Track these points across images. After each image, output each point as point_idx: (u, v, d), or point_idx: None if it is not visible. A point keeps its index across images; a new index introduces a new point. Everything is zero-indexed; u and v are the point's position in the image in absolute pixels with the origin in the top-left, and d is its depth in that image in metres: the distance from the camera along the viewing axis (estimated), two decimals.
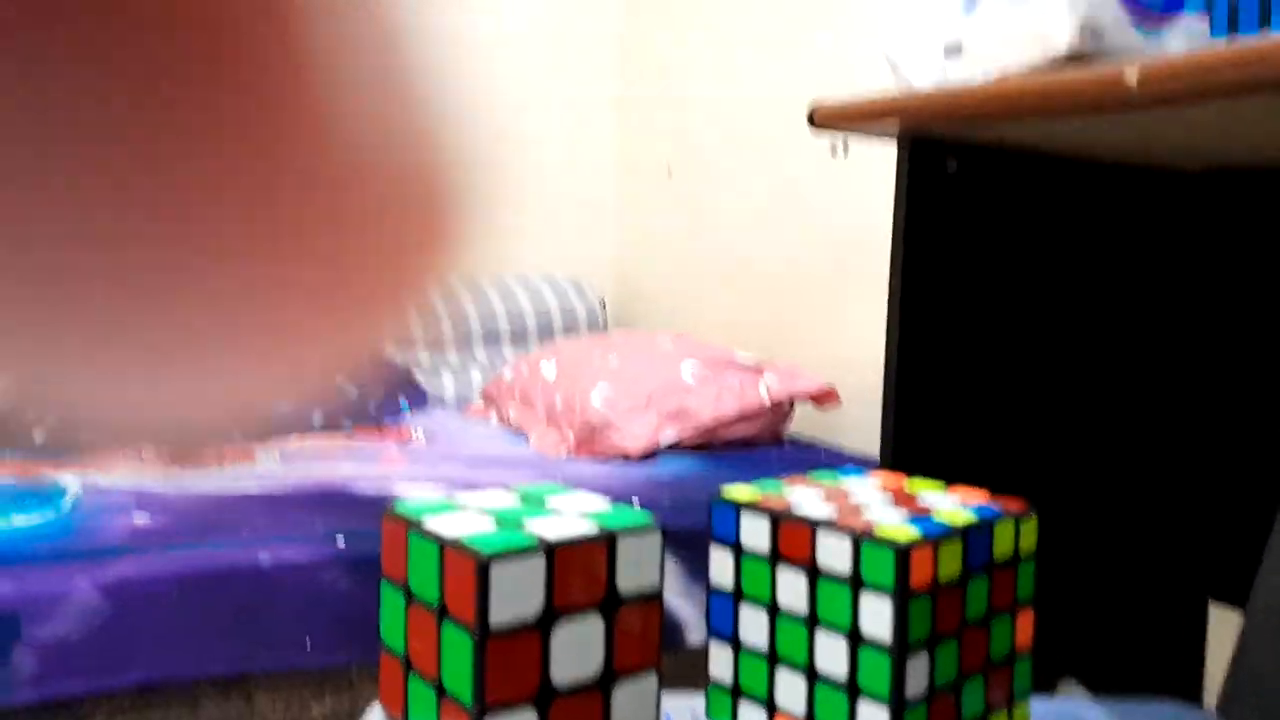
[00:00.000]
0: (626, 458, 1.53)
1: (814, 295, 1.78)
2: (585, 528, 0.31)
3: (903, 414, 0.70)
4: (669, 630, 1.23)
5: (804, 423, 1.75)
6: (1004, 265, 0.75)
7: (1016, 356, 0.76)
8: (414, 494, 1.39)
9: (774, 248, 1.88)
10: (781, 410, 1.62)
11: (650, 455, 1.54)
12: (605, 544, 0.30)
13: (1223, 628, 0.77)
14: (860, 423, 1.58)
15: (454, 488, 1.39)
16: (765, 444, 1.64)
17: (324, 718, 1.21)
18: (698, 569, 1.30)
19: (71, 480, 1.39)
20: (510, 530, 0.30)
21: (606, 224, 2.43)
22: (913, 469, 0.67)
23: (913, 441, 0.69)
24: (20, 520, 1.20)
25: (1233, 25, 0.59)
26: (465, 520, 0.31)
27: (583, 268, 2.42)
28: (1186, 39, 0.56)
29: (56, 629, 1.09)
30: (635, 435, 1.52)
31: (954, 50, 0.58)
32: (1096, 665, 0.63)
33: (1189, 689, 0.72)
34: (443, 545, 0.29)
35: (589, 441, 1.57)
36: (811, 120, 0.64)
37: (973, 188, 0.73)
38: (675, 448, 1.55)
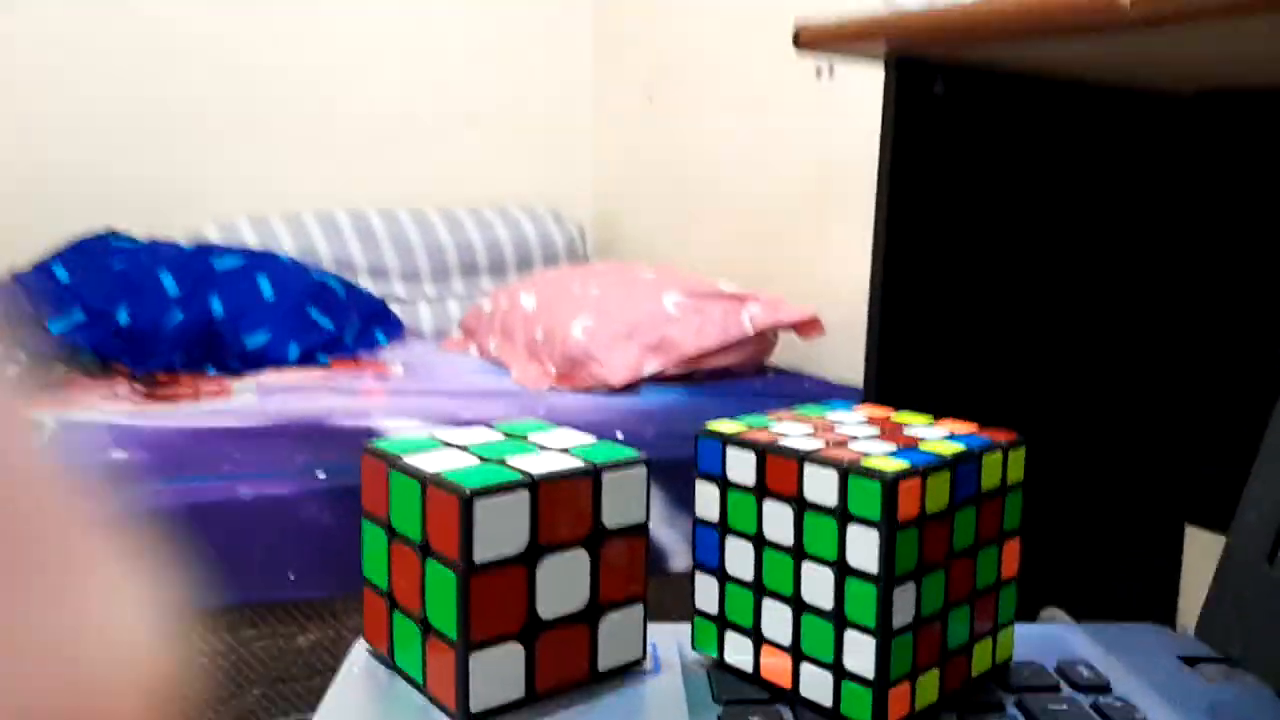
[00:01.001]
0: (609, 389, 1.53)
1: (798, 224, 1.76)
2: (569, 463, 0.30)
3: (887, 342, 0.70)
4: (653, 557, 1.24)
5: (788, 353, 1.75)
6: (993, 190, 0.74)
7: (1003, 284, 0.75)
8: (395, 427, 1.38)
9: (758, 174, 1.86)
10: (765, 340, 1.62)
11: (633, 386, 1.54)
12: (590, 479, 0.30)
13: (1198, 551, 0.78)
14: (844, 353, 1.58)
15: (436, 421, 1.38)
16: (748, 374, 1.64)
17: (309, 648, 1.22)
18: (681, 498, 1.31)
19: (46, 417, 1.38)
20: (493, 466, 0.30)
21: (585, 152, 2.39)
22: (896, 398, 0.67)
23: (896, 371, 0.69)
24: None
25: None
26: (447, 457, 0.31)
27: (561, 197, 2.39)
28: None
29: None
30: (617, 367, 1.52)
31: None
32: (1078, 593, 0.64)
33: (1167, 613, 0.73)
34: (425, 482, 0.29)
35: (571, 374, 1.57)
36: (797, 41, 0.63)
37: (961, 110, 0.71)
38: (658, 378, 1.55)
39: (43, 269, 1.74)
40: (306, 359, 1.77)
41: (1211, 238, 0.81)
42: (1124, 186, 0.80)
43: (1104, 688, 0.30)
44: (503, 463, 0.30)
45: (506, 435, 0.34)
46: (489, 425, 0.35)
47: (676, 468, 1.26)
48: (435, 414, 1.43)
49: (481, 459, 0.30)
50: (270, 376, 1.68)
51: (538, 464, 0.30)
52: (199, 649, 1.16)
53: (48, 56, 1.94)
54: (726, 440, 0.31)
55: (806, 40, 0.63)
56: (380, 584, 0.31)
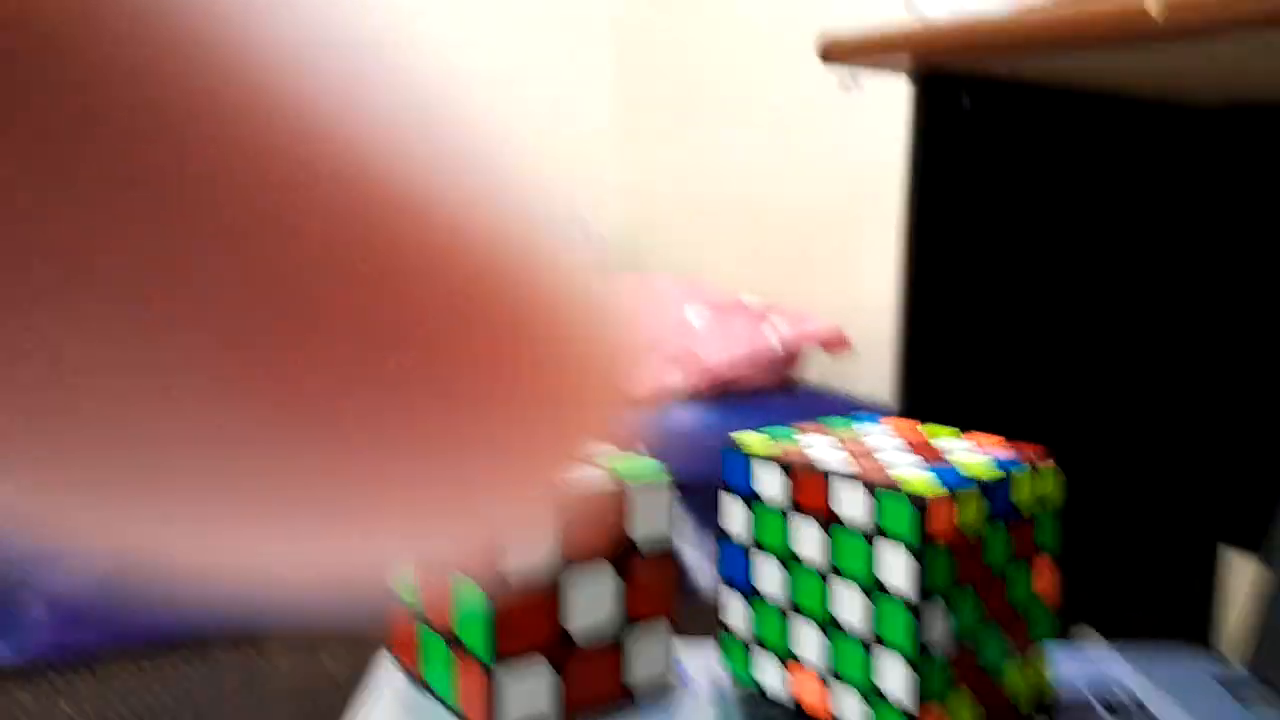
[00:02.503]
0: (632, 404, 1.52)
1: (825, 238, 1.76)
2: (597, 480, 0.30)
3: (915, 358, 0.69)
4: (678, 575, 1.23)
5: (813, 369, 1.74)
6: (1020, 204, 0.74)
7: (1031, 298, 0.75)
8: None
9: (783, 187, 1.86)
10: (791, 356, 1.61)
11: (656, 401, 1.54)
12: (618, 497, 0.30)
13: (1234, 572, 0.77)
14: (871, 369, 1.57)
15: None
16: (774, 391, 1.63)
17: (336, 671, 1.22)
18: (706, 517, 1.30)
19: None
20: None
21: (611, 163, 2.40)
22: (925, 414, 0.66)
23: (925, 386, 0.69)
24: None
25: None
26: None
27: (586, 207, 2.39)
28: None
29: (68, 582, 1.10)
30: (640, 381, 1.51)
31: None
32: (1110, 611, 0.63)
33: (1199, 633, 0.72)
34: None
35: None
36: (824, 55, 0.62)
37: (988, 124, 0.71)
38: (682, 394, 1.55)
39: None
40: None
41: (1241, 252, 0.80)
42: (1152, 200, 0.79)
43: (1143, 712, 0.30)
44: None
45: None
46: None
47: (700, 485, 1.25)
48: None
49: None
50: None
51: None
52: (227, 667, 1.16)
53: None
54: (752, 454, 0.31)
55: (833, 53, 0.63)
56: (409, 602, 0.31)
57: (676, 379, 1.57)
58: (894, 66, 0.66)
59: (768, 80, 1.92)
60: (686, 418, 1.52)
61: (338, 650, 1.25)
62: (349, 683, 1.27)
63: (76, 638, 1.13)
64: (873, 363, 1.54)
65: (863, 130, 1.65)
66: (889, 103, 1.53)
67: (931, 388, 0.69)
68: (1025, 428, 0.60)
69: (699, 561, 1.32)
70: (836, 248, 1.73)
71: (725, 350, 1.56)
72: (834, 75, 1.61)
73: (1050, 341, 0.76)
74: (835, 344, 1.59)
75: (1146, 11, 0.46)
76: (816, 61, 0.65)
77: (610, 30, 2.42)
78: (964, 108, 0.69)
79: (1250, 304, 0.79)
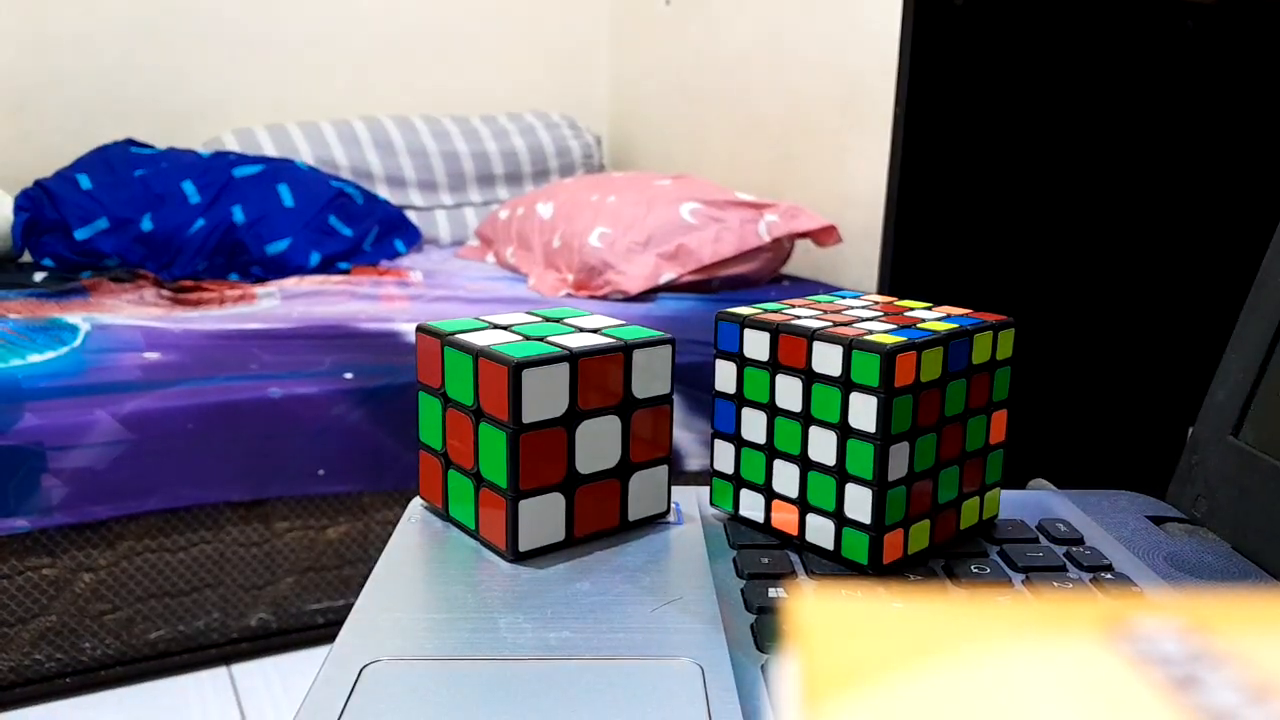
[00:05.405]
0: (626, 297, 1.56)
1: (817, 134, 1.76)
2: (603, 341, 0.34)
3: (901, 248, 0.72)
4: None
5: (804, 263, 1.77)
6: (1008, 99, 0.76)
7: (1017, 192, 0.78)
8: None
9: (777, 83, 1.85)
10: (782, 249, 1.64)
11: (649, 294, 1.57)
12: (622, 354, 0.33)
13: None
14: (860, 261, 1.60)
15: None
16: (764, 283, 1.67)
17: (338, 540, 1.29)
18: (697, 402, 1.35)
19: (80, 320, 1.42)
20: (536, 343, 0.33)
21: (601, 58, 2.38)
22: (908, 296, 0.70)
23: (909, 272, 0.72)
24: (35, 358, 1.24)
25: None
26: (494, 335, 0.34)
27: (578, 105, 2.38)
28: None
29: (81, 458, 1.14)
30: (634, 275, 1.55)
31: None
32: (1066, 469, 0.68)
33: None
34: (476, 355, 0.32)
35: (587, 281, 1.60)
36: None
37: (980, 21, 0.73)
38: (674, 287, 1.58)
39: (66, 177, 1.77)
40: (326, 266, 1.80)
41: (1224, 137, 0.83)
42: (1139, 94, 0.81)
43: (1077, 541, 0.34)
44: (544, 340, 0.33)
45: (545, 319, 0.37)
46: (529, 312, 0.39)
47: (692, 373, 1.29)
48: (456, 318, 1.47)
49: (525, 337, 0.34)
50: (292, 282, 1.72)
51: (575, 341, 0.33)
52: (235, 539, 1.22)
53: None
54: (743, 322, 0.34)
55: None
56: (435, 446, 0.35)
57: (670, 272, 1.59)
58: None
59: None
60: (679, 309, 1.55)
61: (341, 522, 1.31)
62: (349, 545, 1.33)
63: (92, 512, 1.17)
64: (863, 254, 1.57)
65: (857, 25, 1.64)
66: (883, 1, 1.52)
67: (915, 273, 0.73)
68: (1003, 309, 0.63)
69: (689, 444, 1.37)
70: (828, 142, 1.73)
71: (716, 244, 1.58)
72: None
73: (1031, 230, 0.79)
74: (827, 236, 1.61)
75: None
76: None
77: None
78: (956, 3, 0.71)
79: (1223, 190, 0.82)
